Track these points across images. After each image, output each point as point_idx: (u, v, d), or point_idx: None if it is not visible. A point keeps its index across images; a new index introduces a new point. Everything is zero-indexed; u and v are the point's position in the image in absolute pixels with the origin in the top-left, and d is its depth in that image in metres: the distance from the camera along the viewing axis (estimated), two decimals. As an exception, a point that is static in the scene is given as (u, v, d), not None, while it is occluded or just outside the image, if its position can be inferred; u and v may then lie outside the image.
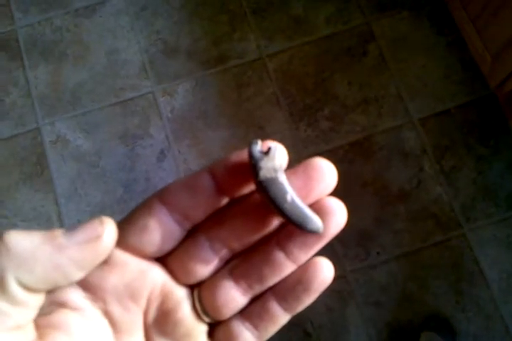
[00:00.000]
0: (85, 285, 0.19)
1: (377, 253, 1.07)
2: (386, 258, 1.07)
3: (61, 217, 1.11)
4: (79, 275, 0.18)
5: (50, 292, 0.19)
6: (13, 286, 0.16)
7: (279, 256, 0.20)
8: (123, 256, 0.20)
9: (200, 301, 0.21)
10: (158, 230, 0.20)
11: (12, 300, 0.16)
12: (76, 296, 0.19)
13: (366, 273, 1.06)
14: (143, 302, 0.20)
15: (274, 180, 0.19)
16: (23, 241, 0.16)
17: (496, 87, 1.07)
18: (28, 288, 0.17)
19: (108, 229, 0.18)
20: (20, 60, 1.21)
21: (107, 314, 0.20)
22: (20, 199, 1.12)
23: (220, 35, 1.21)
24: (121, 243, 0.20)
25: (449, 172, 1.10)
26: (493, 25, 0.98)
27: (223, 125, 1.15)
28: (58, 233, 0.17)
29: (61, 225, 1.10)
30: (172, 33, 1.21)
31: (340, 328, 1.04)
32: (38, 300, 0.17)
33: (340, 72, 1.17)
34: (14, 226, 1.10)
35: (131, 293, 0.20)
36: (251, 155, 0.19)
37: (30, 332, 0.17)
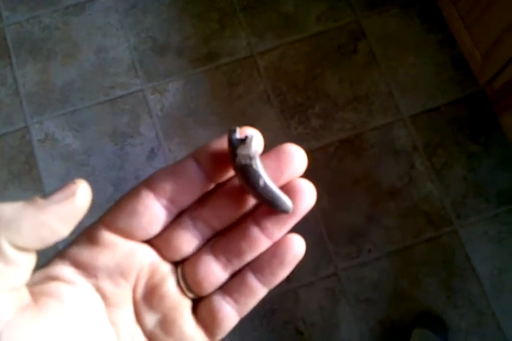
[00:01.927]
0: (77, 263, 0.21)
1: (369, 250, 1.07)
2: (377, 255, 1.06)
3: (50, 216, 1.09)
4: (65, 230, 0.19)
5: (43, 267, 0.20)
6: (5, 246, 0.17)
7: (255, 230, 0.22)
8: (113, 238, 0.21)
9: (183, 276, 0.22)
10: (146, 215, 0.21)
11: (5, 260, 0.17)
12: (69, 272, 0.20)
13: (358, 270, 1.06)
14: (132, 279, 0.21)
15: (249, 167, 0.20)
16: (6, 207, 0.18)
17: (486, 84, 1.07)
18: (19, 247, 0.18)
19: (81, 187, 0.19)
20: (8, 58, 1.20)
21: (98, 289, 0.21)
22: (9, 199, 1.11)
23: (210, 33, 1.20)
24: (112, 226, 0.21)
25: (440, 169, 1.10)
26: (483, 22, 0.98)
27: (214, 123, 1.14)
28: (37, 197, 0.18)
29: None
30: (162, 30, 1.21)
31: (332, 326, 1.04)
32: (29, 260, 0.18)
33: (330, 69, 1.17)
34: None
35: (121, 271, 0.21)
36: (229, 142, 0.21)
37: (26, 296, 0.18)
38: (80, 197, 0.19)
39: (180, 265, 0.23)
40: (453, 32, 1.13)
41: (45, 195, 0.19)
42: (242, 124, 1.22)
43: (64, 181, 1.12)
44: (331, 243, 1.07)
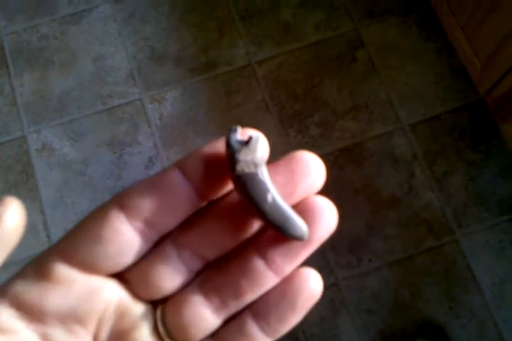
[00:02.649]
0: (21, 304, 0.16)
1: (369, 260, 1.06)
2: (378, 265, 1.05)
3: (47, 226, 1.08)
4: None
5: None
6: None
7: (259, 264, 0.17)
8: (70, 273, 0.16)
9: (163, 320, 0.18)
10: (114, 242, 0.16)
11: None
12: (7, 316, 0.16)
13: (358, 280, 1.05)
14: (92, 325, 0.17)
15: (254, 176, 0.16)
16: None
17: (486, 93, 1.07)
18: None
19: (11, 208, 0.15)
20: (5, 68, 1.19)
21: (45, 338, 0.17)
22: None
23: (208, 42, 1.20)
24: (69, 257, 0.16)
25: (440, 177, 1.09)
26: (482, 30, 0.98)
27: (212, 132, 1.14)
28: None
29: (47, 234, 1.08)
30: (160, 39, 1.20)
31: (332, 337, 1.03)
32: None
33: (329, 78, 1.17)
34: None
35: (76, 316, 0.17)
36: (228, 145, 0.16)
37: None
38: (9, 222, 0.15)
39: (159, 305, 0.18)
40: (452, 40, 1.13)
41: None
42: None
43: (61, 191, 1.11)
44: (331, 252, 1.06)
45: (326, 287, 1.04)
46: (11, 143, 1.14)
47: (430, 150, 1.11)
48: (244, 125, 1.15)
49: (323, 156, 1.11)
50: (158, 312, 0.18)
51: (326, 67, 1.17)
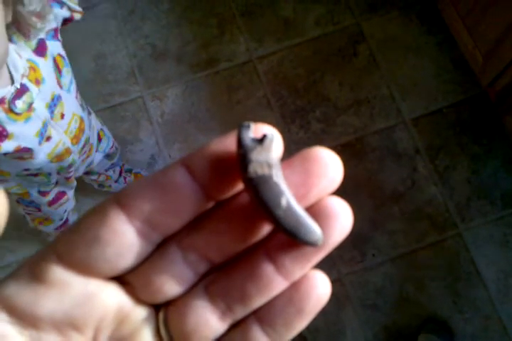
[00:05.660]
0: (12, 308, 0.15)
1: (373, 255, 1.06)
2: (382, 260, 1.05)
3: (50, 225, 1.09)
4: None
5: None
6: None
7: (268, 269, 0.16)
8: (65, 275, 0.16)
9: (165, 325, 0.17)
10: (113, 243, 0.15)
11: None
12: None
13: (362, 275, 1.05)
14: (90, 331, 0.16)
15: (267, 179, 0.15)
16: None
17: (488, 86, 1.06)
18: None
19: None
20: (7, 67, 1.20)
21: None
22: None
23: (209, 38, 1.20)
24: (65, 258, 0.16)
25: (443, 171, 1.09)
26: (484, 23, 0.97)
27: (214, 129, 1.14)
28: None
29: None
30: (161, 37, 1.20)
31: (336, 331, 1.03)
32: None
33: (331, 73, 1.16)
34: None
35: (73, 322, 0.16)
36: (240, 143, 0.15)
37: None
38: None
39: (162, 309, 0.17)
40: (453, 33, 1.12)
41: None
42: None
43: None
44: (334, 248, 1.06)
45: (330, 282, 1.05)
46: (14, 142, 1.15)
47: (432, 145, 1.10)
48: (245, 121, 1.16)
49: (325, 152, 1.11)
50: (161, 316, 0.17)
51: (327, 62, 1.17)
